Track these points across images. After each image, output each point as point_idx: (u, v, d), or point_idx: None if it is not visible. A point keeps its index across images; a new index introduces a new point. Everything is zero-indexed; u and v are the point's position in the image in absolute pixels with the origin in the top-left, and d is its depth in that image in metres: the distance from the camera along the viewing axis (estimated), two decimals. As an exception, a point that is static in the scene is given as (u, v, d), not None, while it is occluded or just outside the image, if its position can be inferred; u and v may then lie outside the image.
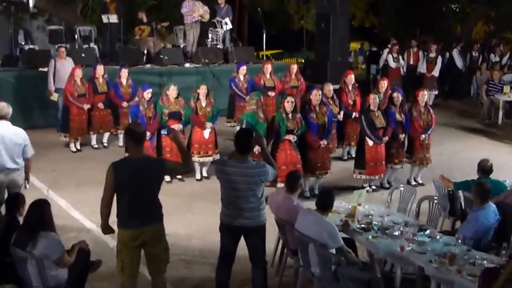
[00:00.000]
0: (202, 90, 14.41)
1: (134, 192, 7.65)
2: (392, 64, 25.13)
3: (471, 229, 9.03)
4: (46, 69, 18.54)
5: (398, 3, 33.12)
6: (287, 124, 12.75)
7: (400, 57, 25.36)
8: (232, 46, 24.61)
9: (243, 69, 17.88)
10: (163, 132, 12.70)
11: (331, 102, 15.20)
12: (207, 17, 23.18)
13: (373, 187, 13.96)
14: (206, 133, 14.32)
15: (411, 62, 25.54)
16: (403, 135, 14.43)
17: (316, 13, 25.16)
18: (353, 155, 16.21)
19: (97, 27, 22.73)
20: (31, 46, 21.71)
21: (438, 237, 8.92)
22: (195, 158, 14.22)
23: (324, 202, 8.82)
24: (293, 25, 37.34)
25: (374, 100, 13.96)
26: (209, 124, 14.28)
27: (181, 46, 23.57)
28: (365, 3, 36.91)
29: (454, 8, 37.10)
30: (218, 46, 23.67)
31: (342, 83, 16.58)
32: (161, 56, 21.93)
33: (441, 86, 25.60)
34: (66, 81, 17.53)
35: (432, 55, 25.12)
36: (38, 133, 18.43)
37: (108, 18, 21.91)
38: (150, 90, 14.20)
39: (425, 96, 14.76)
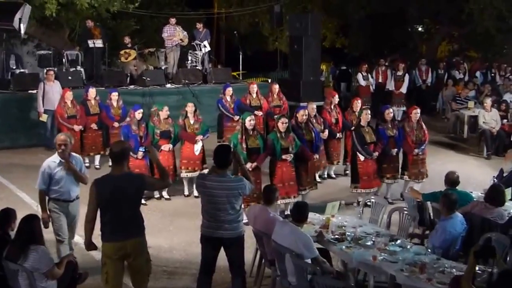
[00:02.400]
0: (190, 107, 14.39)
1: (116, 207, 7.64)
2: (362, 82, 25.24)
3: (439, 238, 9.01)
4: (35, 92, 18.60)
5: (367, 25, 33.22)
6: (281, 143, 12.54)
7: (369, 75, 25.44)
8: (211, 67, 24.70)
9: (229, 90, 17.49)
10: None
11: (314, 121, 14.87)
12: (186, 41, 23.36)
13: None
14: (197, 150, 14.22)
15: (380, 80, 25.63)
16: (396, 149, 14.20)
17: (289, 35, 25.12)
18: (333, 176, 16.44)
19: (84, 51, 22.59)
20: (22, 70, 21.59)
21: (408, 247, 8.89)
22: (183, 174, 14.25)
23: (299, 214, 8.81)
24: (268, 47, 37.39)
25: (366, 115, 13.86)
26: (199, 137, 14.19)
27: (163, 68, 23.53)
28: (336, 25, 36.99)
29: (420, 29, 37.30)
30: (197, 68, 23.65)
31: (327, 103, 16.31)
32: (144, 78, 21.90)
33: (408, 102, 25.65)
34: (54, 102, 17.53)
35: (400, 73, 25.26)
36: (28, 152, 18.54)
37: (93, 43, 21.94)
38: (141, 110, 14.07)
39: (418, 113, 14.51)
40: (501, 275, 6.52)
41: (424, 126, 14.67)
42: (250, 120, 12.54)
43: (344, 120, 15.98)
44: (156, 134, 13.90)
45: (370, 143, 13.70)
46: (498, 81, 27.33)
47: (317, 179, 14.87)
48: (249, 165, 12.07)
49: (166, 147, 13.89)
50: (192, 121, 14.32)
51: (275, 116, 14.26)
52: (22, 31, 20.68)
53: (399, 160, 14.60)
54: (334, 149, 15.95)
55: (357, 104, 16.16)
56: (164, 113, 14.02)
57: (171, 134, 14.08)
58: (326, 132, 15.11)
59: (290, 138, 12.73)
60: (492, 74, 28.70)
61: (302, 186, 13.14)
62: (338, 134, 15.87)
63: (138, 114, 13.87)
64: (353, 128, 15.09)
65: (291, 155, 12.64)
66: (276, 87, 18.19)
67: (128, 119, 14.13)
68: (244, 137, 12.44)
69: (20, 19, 19.72)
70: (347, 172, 15.79)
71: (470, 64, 30.03)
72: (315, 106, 15.35)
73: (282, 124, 12.60)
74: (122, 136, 13.80)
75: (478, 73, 28.29)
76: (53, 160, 9.94)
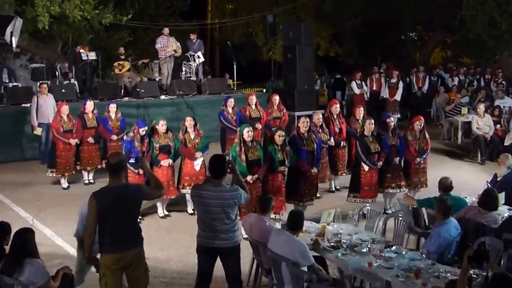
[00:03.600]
0: (188, 122, 14.02)
1: (116, 218, 7.63)
2: (356, 91, 25.30)
3: (434, 243, 9.06)
4: (29, 105, 18.59)
5: (360, 33, 33.36)
6: (278, 155, 12.41)
7: (363, 83, 25.51)
8: (205, 78, 24.70)
9: (231, 101, 17.18)
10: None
11: (320, 131, 14.68)
12: (180, 51, 23.42)
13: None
14: (198, 165, 13.83)
15: (374, 88, 25.69)
16: (397, 158, 14.02)
17: (283, 44, 25.25)
18: (337, 187, 16.16)
19: (77, 64, 22.61)
20: (15, 84, 21.58)
21: (404, 253, 8.92)
22: (186, 190, 13.75)
23: (294, 223, 8.83)
24: (262, 56, 37.50)
25: (370, 125, 13.71)
26: (198, 154, 13.78)
27: (157, 79, 23.58)
28: (329, 34, 37.14)
29: (413, 36, 37.46)
30: (191, 79, 23.73)
31: (327, 112, 16.03)
32: (138, 89, 21.93)
33: (403, 109, 25.75)
34: (48, 116, 17.53)
35: (394, 80, 25.39)
36: (22, 166, 18.53)
37: (87, 56, 21.98)
38: (145, 127, 13.63)
39: (422, 124, 14.41)
40: (493, 278, 6.57)
41: (427, 136, 14.52)
42: (248, 132, 12.35)
43: (349, 128, 15.75)
44: (155, 148, 13.50)
45: (374, 153, 13.57)
46: (492, 87, 27.40)
47: (318, 194, 14.54)
48: (249, 178, 12.01)
49: (166, 162, 13.53)
50: (192, 136, 13.94)
51: (272, 129, 14.03)
52: (14, 45, 20.65)
53: (402, 169, 14.37)
54: (338, 159, 15.68)
55: (360, 112, 15.86)
56: (161, 127, 13.61)
57: (171, 148, 13.69)
58: (332, 139, 15.04)
59: (286, 151, 12.59)
60: (486, 80, 28.82)
61: (299, 198, 13.00)
62: (342, 143, 15.65)
63: (142, 131, 13.46)
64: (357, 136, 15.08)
65: (286, 167, 12.61)
66: (276, 98, 17.80)
67: (131, 134, 13.64)
68: (243, 149, 12.25)
69: (11, 32, 19.71)
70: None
71: (463, 70, 30.10)
72: (321, 116, 15.13)
73: (279, 137, 12.45)
74: (123, 150, 13.42)
75: (468, 78, 28.47)
76: None
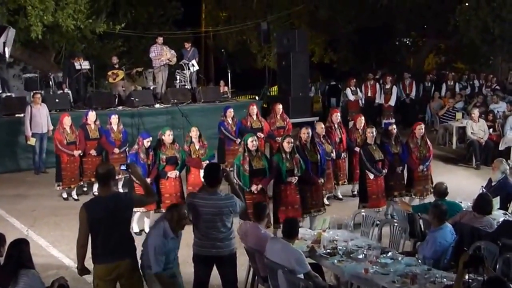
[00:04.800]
0: (194, 133, 14.00)
1: (107, 228, 7.67)
2: (351, 97, 25.31)
3: (430, 249, 9.09)
4: (23, 115, 18.56)
5: (354, 39, 33.41)
6: (286, 165, 12.24)
7: (358, 90, 25.55)
8: (199, 86, 24.75)
9: (230, 111, 17.06)
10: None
11: (323, 141, 14.66)
12: (174, 60, 23.40)
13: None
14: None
15: (369, 94, 25.70)
16: (401, 167, 14.05)
17: (277, 52, 25.33)
18: (340, 197, 16.04)
19: (70, 73, 22.57)
20: (8, 94, 21.53)
21: (400, 259, 8.95)
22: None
23: (290, 230, 8.86)
24: (256, 64, 37.50)
25: (371, 133, 13.68)
26: (205, 163, 13.36)
27: (151, 88, 23.54)
28: (324, 41, 37.19)
29: (407, 42, 37.55)
30: (186, 87, 23.73)
31: (328, 121, 15.93)
32: (132, 98, 21.89)
33: (397, 115, 25.78)
34: (42, 126, 17.54)
35: (388, 86, 25.42)
36: (17, 176, 18.49)
37: (80, 65, 21.97)
38: (150, 138, 13.47)
39: (422, 129, 14.43)
40: (488, 282, 6.61)
41: (428, 142, 14.55)
42: (252, 141, 12.26)
43: (348, 140, 15.76)
44: (162, 159, 13.32)
45: (378, 161, 13.53)
46: (484, 92, 27.47)
47: (326, 201, 14.46)
48: (254, 188, 12.01)
49: (173, 173, 13.36)
50: (197, 147, 13.93)
51: (279, 138, 13.80)
52: (7, 55, 20.74)
53: (404, 177, 14.39)
54: (339, 169, 15.71)
55: (361, 121, 15.83)
56: (167, 137, 13.46)
57: (177, 160, 13.54)
58: (334, 152, 15.00)
59: (296, 160, 12.40)
60: (480, 85, 28.89)
61: (307, 209, 12.83)
62: (343, 154, 15.71)
63: (147, 143, 13.27)
64: (357, 146, 15.20)
65: (296, 177, 12.35)
66: (279, 107, 17.67)
67: (136, 146, 13.39)
68: (248, 158, 12.15)
69: (4, 43, 19.81)
70: (355, 192, 15.66)
71: (457, 75, 30.20)
72: (323, 126, 15.04)
73: (288, 144, 12.28)
74: None
75: (462, 84, 28.54)
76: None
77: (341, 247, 9.44)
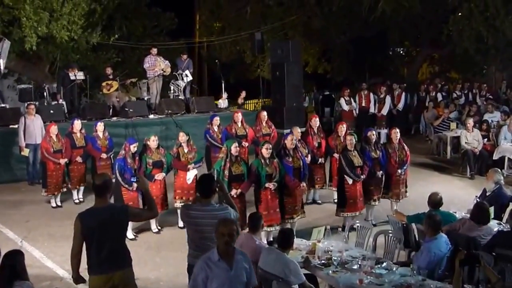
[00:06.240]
0: (182, 137, 14.41)
1: (102, 240, 7.65)
2: (345, 107, 25.36)
3: (424, 259, 9.07)
4: (17, 126, 18.53)
5: (348, 49, 33.41)
6: (266, 169, 12.63)
7: (352, 100, 25.58)
8: (192, 96, 24.79)
9: (217, 119, 17.44)
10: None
11: (299, 145, 14.79)
12: (168, 70, 23.44)
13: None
14: (190, 179, 14.20)
15: (363, 104, 25.73)
16: (381, 171, 14.47)
17: (271, 62, 25.31)
18: (318, 201, 16.47)
19: (65, 84, 22.55)
20: (3, 105, 21.53)
21: (394, 269, 8.94)
22: (177, 204, 14.16)
23: (285, 241, 8.87)
24: (250, 74, 37.50)
25: (351, 140, 14.02)
26: (191, 166, 14.24)
27: (145, 98, 23.60)
28: (317, 51, 37.22)
29: (400, 52, 37.58)
30: (180, 97, 23.78)
31: (307, 126, 16.50)
32: (126, 109, 21.94)
33: (391, 124, 25.78)
34: (36, 136, 17.54)
35: (382, 96, 25.46)
36: (11, 187, 18.46)
37: (75, 76, 21.96)
38: (136, 144, 13.95)
39: (398, 134, 14.91)
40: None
41: (405, 147, 14.97)
42: (235, 147, 12.69)
43: (327, 146, 16.10)
44: (149, 163, 13.88)
45: (357, 167, 13.85)
46: (478, 102, 27.50)
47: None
48: (233, 192, 12.26)
49: (160, 176, 13.91)
50: (186, 150, 14.35)
51: (260, 142, 14.20)
52: (2, 66, 20.74)
53: (383, 181, 14.79)
54: (315, 173, 16.04)
55: (342, 128, 16.12)
56: (152, 142, 14.02)
57: (163, 164, 14.09)
58: (309, 156, 15.21)
59: (275, 164, 12.80)
60: (473, 94, 28.92)
61: (289, 214, 13.19)
62: (320, 159, 16.03)
63: (133, 148, 13.75)
64: (336, 152, 15.55)
65: (275, 184, 12.70)
66: (264, 114, 18.10)
67: (122, 152, 13.81)
68: (228, 164, 12.52)
69: (-1, 54, 19.82)
70: (335, 200, 15.69)
71: (451, 85, 30.28)
72: (299, 130, 15.48)
73: (266, 150, 12.72)
74: (117, 169, 13.68)
75: (456, 93, 28.59)
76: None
77: (335, 258, 9.43)
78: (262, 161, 12.71)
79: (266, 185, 12.58)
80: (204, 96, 27.74)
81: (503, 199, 12.30)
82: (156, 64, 23.06)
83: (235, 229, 7.25)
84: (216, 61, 28.82)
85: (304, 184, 13.51)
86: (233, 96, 28.20)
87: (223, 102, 25.41)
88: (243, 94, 27.71)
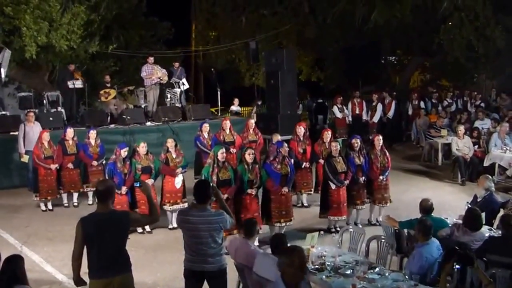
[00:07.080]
0: (170, 143, 14.70)
1: (103, 244, 7.64)
2: (338, 115, 25.41)
3: (416, 264, 9.06)
4: (17, 133, 18.51)
5: (341, 57, 33.47)
6: (248, 175, 12.87)
7: (344, 107, 25.62)
8: (187, 104, 24.92)
9: (206, 126, 17.82)
10: (136, 185, 12.79)
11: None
12: (165, 79, 23.43)
13: (338, 228, 13.70)
14: (178, 183, 14.47)
15: (356, 112, 25.78)
16: (363, 177, 14.58)
17: (266, 70, 25.37)
18: (306, 205, 16.67)
19: (63, 92, 22.56)
20: (3, 112, 21.56)
21: (387, 274, 8.93)
22: (167, 207, 14.46)
23: (279, 246, 8.82)
24: (245, 82, 37.57)
25: (336, 147, 14.22)
26: (179, 170, 14.50)
27: (142, 106, 23.57)
28: (311, 59, 37.31)
29: (392, 60, 37.65)
30: (176, 105, 23.80)
31: (293, 133, 16.68)
32: (124, 116, 22.00)
33: (383, 131, 25.81)
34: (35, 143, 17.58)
35: (374, 103, 25.51)
36: (12, 193, 18.45)
37: (73, 84, 22.02)
38: (127, 148, 14.33)
39: (380, 140, 15.02)
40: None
41: (387, 153, 15.17)
42: (222, 153, 12.88)
43: (313, 152, 16.29)
44: (138, 169, 14.16)
45: (341, 173, 14.04)
46: (469, 109, 27.56)
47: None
48: (252, 191, 12.71)
49: (149, 181, 13.95)
50: (174, 155, 14.60)
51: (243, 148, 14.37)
52: (3, 75, 20.79)
53: (365, 187, 14.90)
54: (301, 178, 16.28)
55: (327, 135, 16.33)
56: (142, 148, 14.32)
57: (152, 170, 14.36)
58: (292, 161, 15.14)
59: (256, 170, 13.07)
60: (464, 101, 28.97)
61: (276, 218, 13.41)
62: (304, 164, 16.20)
63: (124, 152, 14.07)
64: (321, 158, 15.67)
65: (254, 190, 13.00)
66: (252, 122, 18.42)
67: (113, 156, 14.11)
68: (215, 170, 12.72)
69: (0, 63, 19.83)
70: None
71: (442, 93, 30.34)
72: (279, 137, 15.64)
73: (249, 156, 12.99)
74: (107, 173, 14.00)
75: (447, 101, 28.64)
76: None
77: (329, 263, 9.41)
78: (246, 166, 12.94)
79: (248, 191, 12.87)
80: (201, 104, 27.87)
81: (494, 205, 12.32)
82: (153, 73, 23.06)
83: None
84: (212, 69, 28.87)
85: (286, 189, 13.53)
86: (227, 104, 28.27)
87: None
88: (236, 101, 27.81)
